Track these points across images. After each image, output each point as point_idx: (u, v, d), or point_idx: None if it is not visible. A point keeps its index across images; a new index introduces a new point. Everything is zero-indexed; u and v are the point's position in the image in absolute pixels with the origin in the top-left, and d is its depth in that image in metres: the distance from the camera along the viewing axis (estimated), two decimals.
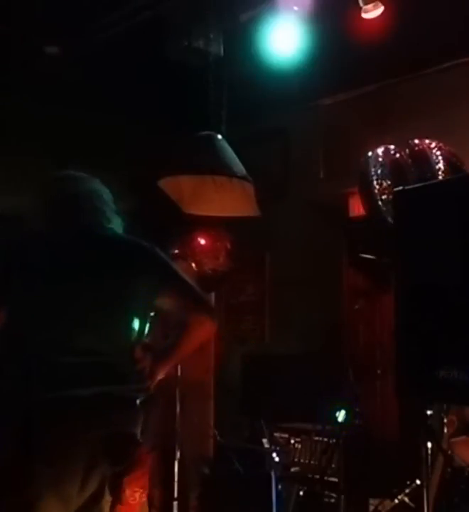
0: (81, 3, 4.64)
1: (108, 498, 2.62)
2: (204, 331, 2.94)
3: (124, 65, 5.27)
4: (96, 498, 2.59)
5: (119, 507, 2.62)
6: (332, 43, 4.82)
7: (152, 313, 2.89)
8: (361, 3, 4.31)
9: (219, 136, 4.39)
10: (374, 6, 4.30)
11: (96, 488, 2.59)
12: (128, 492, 2.61)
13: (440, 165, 3.97)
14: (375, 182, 3.96)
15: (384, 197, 3.96)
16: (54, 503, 2.52)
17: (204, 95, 4.61)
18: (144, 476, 2.68)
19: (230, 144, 4.39)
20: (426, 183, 3.05)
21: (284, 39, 4.56)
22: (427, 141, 4.03)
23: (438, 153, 3.99)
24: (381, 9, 4.30)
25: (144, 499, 2.67)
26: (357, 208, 5.87)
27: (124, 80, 5.46)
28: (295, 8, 4.40)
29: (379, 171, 3.98)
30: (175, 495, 4.48)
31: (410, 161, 4.06)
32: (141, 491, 2.66)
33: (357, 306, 5.77)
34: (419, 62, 5.36)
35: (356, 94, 5.93)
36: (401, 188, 3.04)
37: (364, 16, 4.34)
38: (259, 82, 5.19)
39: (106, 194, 2.91)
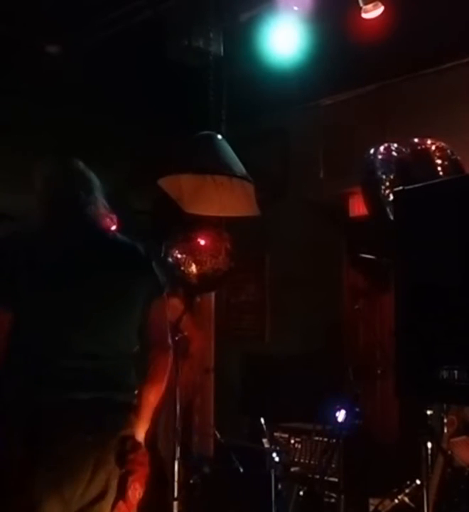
0: (81, 3, 4.64)
1: (109, 500, 2.63)
2: (165, 364, 2.88)
3: (124, 64, 5.27)
4: (98, 500, 2.61)
5: (121, 504, 2.65)
6: (332, 43, 4.82)
7: None
8: (361, 3, 4.31)
9: (219, 136, 4.38)
10: (374, 6, 4.30)
11: (100, 491, 2.60)
12: (130, 492, 2.65)
13: (442, 165, 3.95)
14: (381, 180, 3.92)
15: (387, 192, 3.91)
16: (56, 506, 2.53)
17: (204, 95, 4.61)
18: (143, 476, 2.73)
19: (230, 143, 4.39)
20: (426, 183, 3.03)
21: (284, 39, 4.56)
22: (429, 141, 4.01)
23: (440, 153, 3.97)
24: (381, 9, 4.30)
25: (141, 496, 2.73)
26: (357, 207, 5.88)
27: (124, 79, 5.46)
28: (295, 8, 4.40)
29: (384, 169, 3.94)
30: (175, 495, 4.50)
31: (412, 160, 4.04)
32: (140, 489, 2.72)
33: (357, 306, 5.76)
34: (419, 62, 5.36)
35: (356, 94, 5.93)
36: (400, 188, 3.04)
37: (364, 15, 4.34)
38: (259, 82, 5.19)
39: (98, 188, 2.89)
